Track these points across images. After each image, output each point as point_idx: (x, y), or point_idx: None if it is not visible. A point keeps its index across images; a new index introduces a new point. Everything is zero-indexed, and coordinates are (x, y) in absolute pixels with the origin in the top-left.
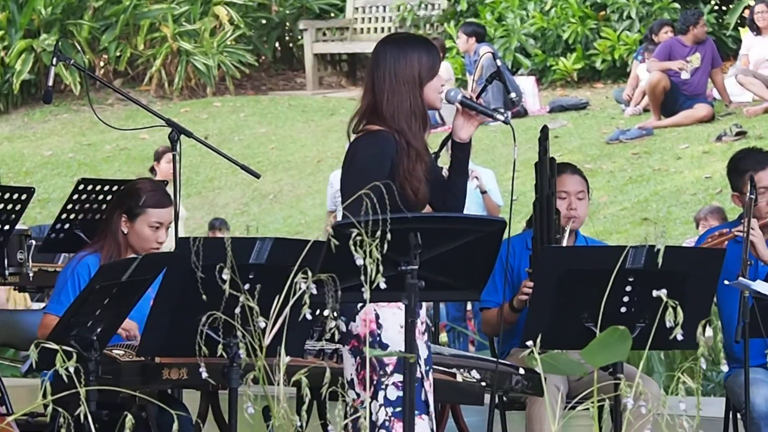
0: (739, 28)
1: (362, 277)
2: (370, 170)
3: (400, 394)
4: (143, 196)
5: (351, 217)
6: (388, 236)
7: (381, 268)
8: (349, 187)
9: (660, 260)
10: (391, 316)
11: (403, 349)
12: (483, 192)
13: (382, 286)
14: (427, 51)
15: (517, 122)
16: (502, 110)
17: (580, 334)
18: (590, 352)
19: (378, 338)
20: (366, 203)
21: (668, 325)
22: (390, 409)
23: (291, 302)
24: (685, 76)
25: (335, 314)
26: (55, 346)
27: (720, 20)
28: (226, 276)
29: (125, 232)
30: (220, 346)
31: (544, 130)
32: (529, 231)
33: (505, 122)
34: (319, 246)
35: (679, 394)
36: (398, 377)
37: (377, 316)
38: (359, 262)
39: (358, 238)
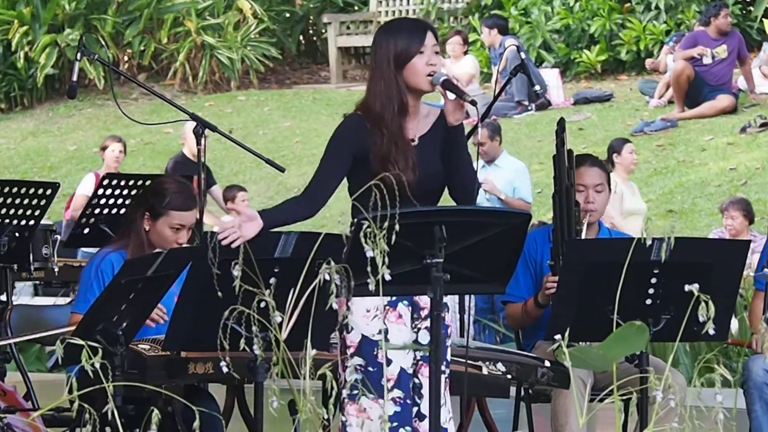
0: (764, 20)
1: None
2: (329, 151)
3: (358, 376)
4: (168, 197)
5: (363, 211)
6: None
7: (387, 260)
8: None
9: (663, 254)
10: (359, 300)
11: (366, 333)
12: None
13: (387, 278)
14: (407, 33)
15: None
16: (470, 97)
17: (605, 327)
18: (608, 345)
19: (345, 320)
20: (375, 195)
21: (701, 319)
22: (346, 391)
23: (315, 295)
24: (707, 61)
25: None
26: (81, 342)
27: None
28: (236, 272)
29: (147, 230)
30: (242, 341)
31: (561, 123)
32: (552, 224)
33: (473, 103)
34: (341, 239)
35: (715, 386)
36: (358, 360)
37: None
38: (369, 254)
39: (369, 230)
